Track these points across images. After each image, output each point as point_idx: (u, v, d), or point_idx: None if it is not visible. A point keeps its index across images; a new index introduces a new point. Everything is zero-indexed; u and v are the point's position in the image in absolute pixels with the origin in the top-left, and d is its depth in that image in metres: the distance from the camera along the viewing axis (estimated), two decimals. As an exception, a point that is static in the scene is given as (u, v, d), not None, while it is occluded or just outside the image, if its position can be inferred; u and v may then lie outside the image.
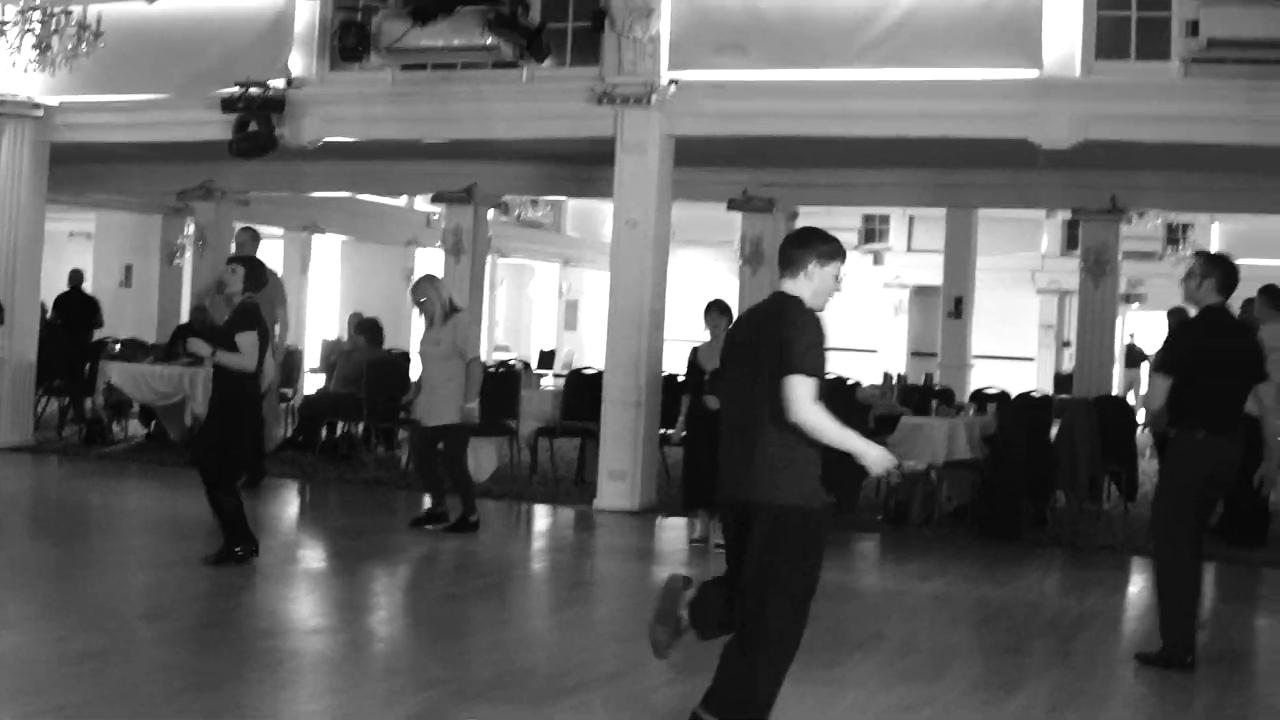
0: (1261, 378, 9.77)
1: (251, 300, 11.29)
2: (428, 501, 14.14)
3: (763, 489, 6.67)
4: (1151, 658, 9.40)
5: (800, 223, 21.75)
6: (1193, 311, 9.85)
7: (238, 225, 20.41)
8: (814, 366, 6.58)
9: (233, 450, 11.38)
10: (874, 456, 6.71)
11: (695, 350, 13.53)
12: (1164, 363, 9.63)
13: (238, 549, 11.19)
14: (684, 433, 13.81)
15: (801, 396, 6.51)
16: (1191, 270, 9.75)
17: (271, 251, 28.72)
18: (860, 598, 11.45)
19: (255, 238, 16.57)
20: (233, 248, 17.81)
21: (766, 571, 6.64)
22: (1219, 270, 9.69)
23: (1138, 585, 13.12)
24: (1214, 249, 32.37)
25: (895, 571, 13.42)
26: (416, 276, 14.34)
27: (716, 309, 13.41)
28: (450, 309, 13.77)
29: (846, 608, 10.64)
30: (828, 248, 6.91)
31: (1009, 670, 9.23)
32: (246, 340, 11.11)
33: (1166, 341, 9.88)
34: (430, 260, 27.65)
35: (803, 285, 6.85)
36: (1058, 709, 8.24)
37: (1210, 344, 9.65)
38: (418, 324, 14.15)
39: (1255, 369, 9.75)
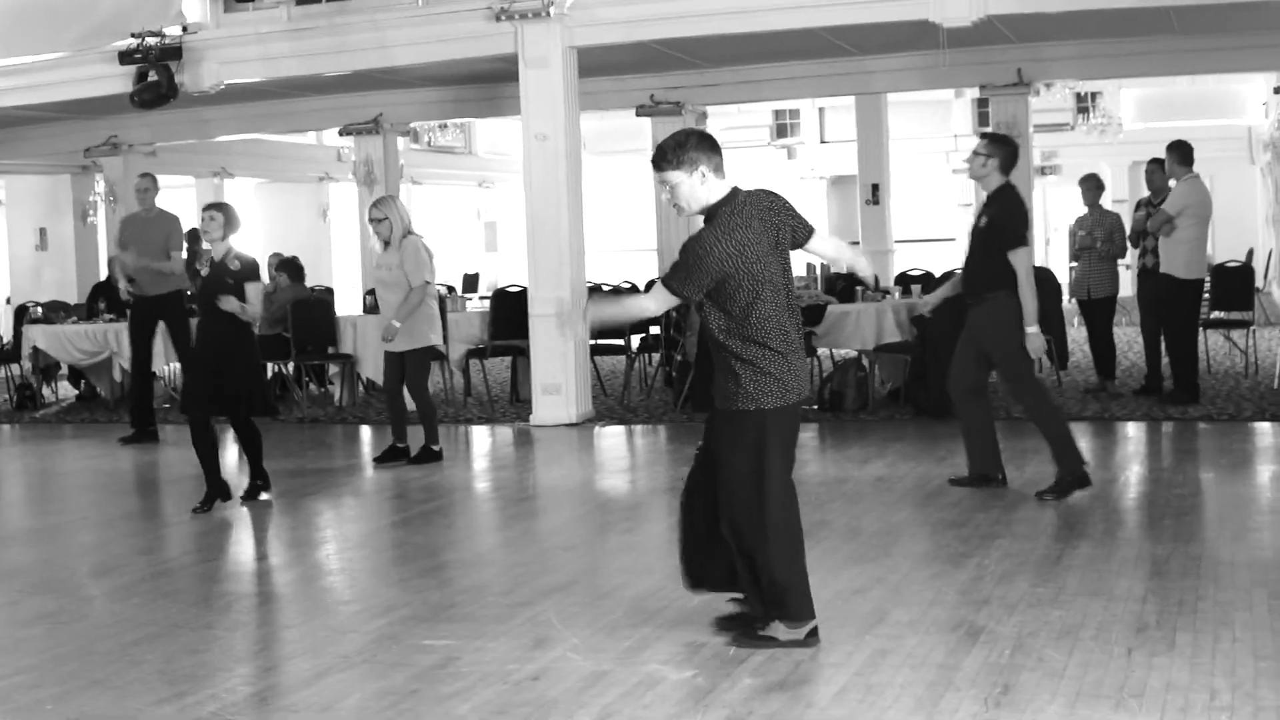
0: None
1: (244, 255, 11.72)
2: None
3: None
4: (1054, 488, 10.65)
5: (711, 123, 21.77)
6: (979, 187, 11.17)
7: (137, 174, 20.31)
8: None
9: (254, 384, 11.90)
10: None
11: None
12: (1021, 236, 10.69)
13: (258, 482, 11.94)
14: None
15: None
16: (976, 150, 10.81)
17: (185, 201, 28.62)
18: (801, 487, 11.43)
19: (155, 181, 16.37)
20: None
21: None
22: (1004, 149, 10.75)
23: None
24: (1124, 115, 32.64)
25: (835, 458, 13.49)
26: (374, 198, 14.11)
27: None
28: (406, 232, 13.36)
29: (790, 498, 10.70)
30: None
31: (955, 544, 9.31)
32: (255, 290, 11.56)
33: (1015, 214, 10.75)
34: (345, 194, 27.51)
35: None
36: (1008, 576, 8.34)
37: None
38: (340, 259, 13.96)
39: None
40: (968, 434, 11.20)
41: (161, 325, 15.76)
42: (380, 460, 13.73)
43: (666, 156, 7.00)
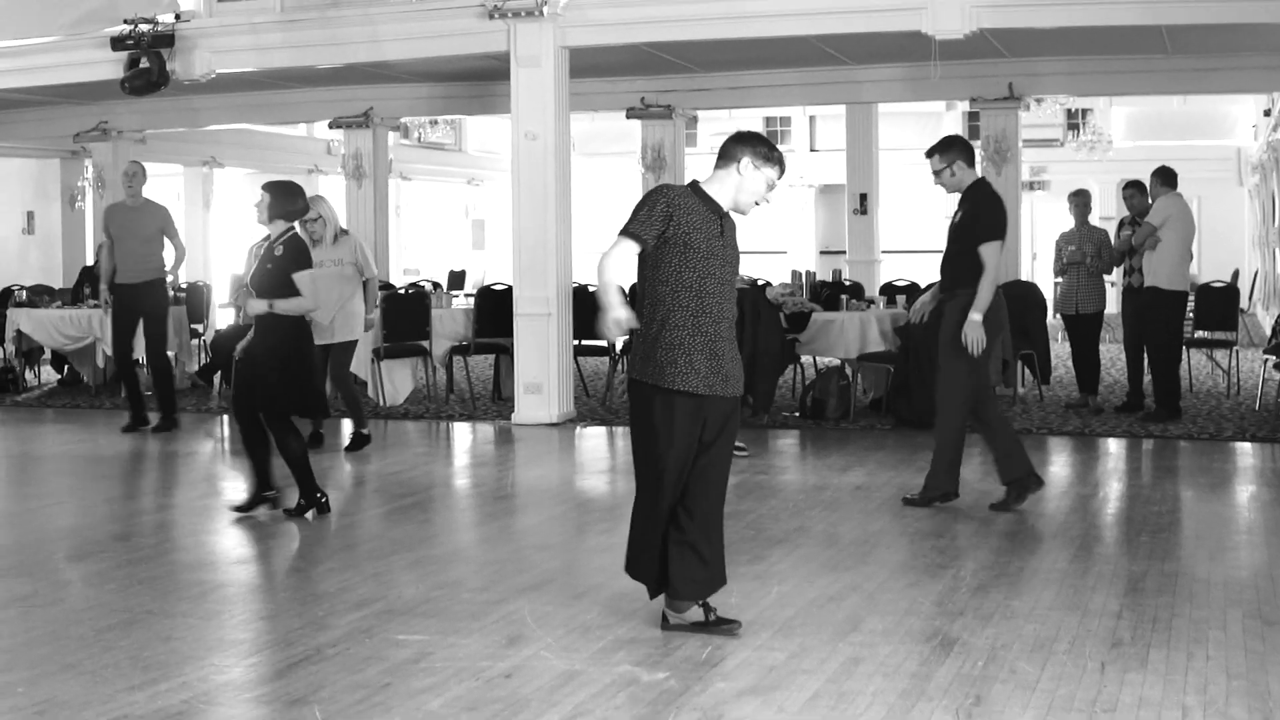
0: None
1: (298, 236, 10.80)
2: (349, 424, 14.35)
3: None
4: (918, 500, 10.93)
5: (701, 127, 21.75)
6: (954, 193, 10.81)
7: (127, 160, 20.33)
8: (631, 227, 7.13)
9: (287, 394, 10.67)
10: (610, 317, 7.07)
11: None
12: (996, 230, 10.49)
13: (302, 500, 10.82)
14: None
15: (610, 247, 7.16)
16: (934, 168, 10.68)
17: (172, 188, 28.59)
18: (781, 493, 11.53)
19: (144, 169, 16.24)
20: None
21: None
22: (959, 148, 10.68)
23: (1055, 465, 13.27)
24: (1115, 132, 32.74)
25: (815, 466, 13.49)
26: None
27: None
28: (341, 230, 13.96)
29: (767, 504, 10.73)
30: (765, 150, 7.27)
31: (931, 554, 9.33)
32: (305, 279, 10.61)
33: (987, 210, 10.58)
34: (333, 187, 27.49)
35: (726, 179, 7.26)
36: (983, 588, 8.34)
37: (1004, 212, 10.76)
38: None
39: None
40: (990, 442, 10.98)
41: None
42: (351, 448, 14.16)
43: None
